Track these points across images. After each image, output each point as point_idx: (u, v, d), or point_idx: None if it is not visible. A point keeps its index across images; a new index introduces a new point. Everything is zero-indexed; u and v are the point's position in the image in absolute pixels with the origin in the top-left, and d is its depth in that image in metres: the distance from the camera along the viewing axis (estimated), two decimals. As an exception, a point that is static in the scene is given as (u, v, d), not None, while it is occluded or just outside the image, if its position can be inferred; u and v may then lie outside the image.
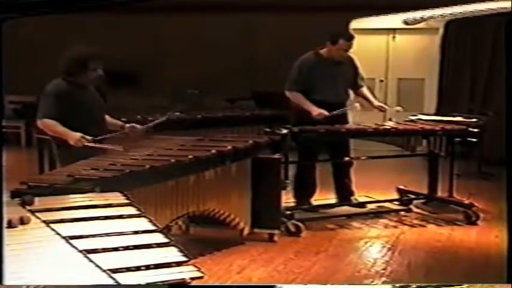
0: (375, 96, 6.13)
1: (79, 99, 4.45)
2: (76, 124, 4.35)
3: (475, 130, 6.06)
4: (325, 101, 5.71)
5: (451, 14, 8.84)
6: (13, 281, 2.14)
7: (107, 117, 4.76)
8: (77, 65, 4.46)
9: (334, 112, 5.65)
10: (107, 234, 2.58)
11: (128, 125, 4.77)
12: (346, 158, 6.06)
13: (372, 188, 6.62)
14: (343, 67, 5.88)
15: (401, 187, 6.43)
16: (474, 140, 6.15)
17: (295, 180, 5.90)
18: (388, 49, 10.10)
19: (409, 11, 8.93)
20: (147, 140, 4.80)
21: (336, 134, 5.76)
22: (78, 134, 4.29)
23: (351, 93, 6.17)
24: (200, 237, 5.07)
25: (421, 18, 9.22)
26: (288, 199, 5.60)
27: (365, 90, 6.12)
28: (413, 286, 3.90)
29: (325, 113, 5.63)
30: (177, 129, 5.37)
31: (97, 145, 4.30)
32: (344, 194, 6.03)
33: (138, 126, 4.80)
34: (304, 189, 5.92)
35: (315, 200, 5.99)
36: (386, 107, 6.07)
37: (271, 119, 6.11)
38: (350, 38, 5.76)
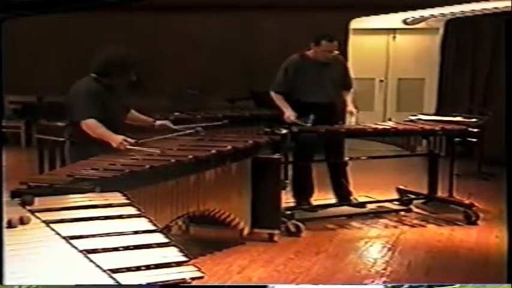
0: (353, 101, 6.11)
1: (105, 99, 4.40)
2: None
3: (475, 130, 6.06)
4: (313, 102, 5.74)
5: (451, 13, 8.85)
6: (13, 281, 2.14)
7: (136, 113, 4.77)
8: (116, 68, 4.43)
9: (298, 121, 5.65)
10: (107, 234, 2.58)
11: (158, 122, 4.78)
12: (346, 158, 6.07)
13: (372, 188, 6.62)
14: (331, 68, 5.88)
15: (401, 187, 6.43)
16: (474, 140, 6.15)
17: (293, 180, 5.90)
18: (388, 49, 10.10)
19: (409, 11, 8.94)
20: (147, 139, 4.79)
21: (335, 134, 5.78)
22: (121, 137, 4.29)
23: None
24: (200, 237, 5.07)
25: (421, 18, 9.23)
26: (288, 199, 5.60)
27: (349, 93, 6.09)
28: (406, 286, 3.90)
29: (292, 117, 5.66)
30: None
31: (139, 147, 4.30)
32: (342, 194, 6.02)
33: (168, 123, 4.80)
34: (302, 189, 5.92)
35: (315, 200, 5.99)
36: (355, 111, 6.04)
37: (271, 119, 6.11)
38: (332, 39, 5.77)
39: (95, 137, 4.33)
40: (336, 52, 5.88)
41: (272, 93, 5.91)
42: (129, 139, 4.30)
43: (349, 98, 6.07)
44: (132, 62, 4.52)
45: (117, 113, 4.51)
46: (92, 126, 4.32)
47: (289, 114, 5.72)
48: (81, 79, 4.49)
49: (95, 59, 4.51)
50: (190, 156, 4.27)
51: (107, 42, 4.71)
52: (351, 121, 5.98)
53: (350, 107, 6.00)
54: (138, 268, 2.33)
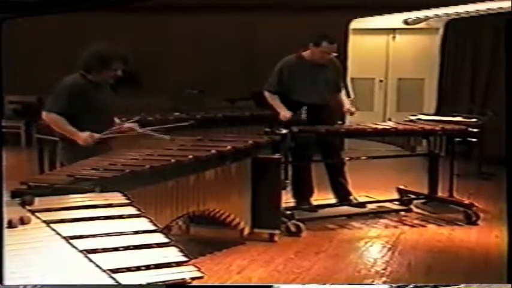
0: (348, 100, 6.15)
1: (92, 97, 4.42)
2: (85, 122, 4.36)
3: (475, 130, 6.07)
4: (306, 103, 5.76)
5: (451, 14, 8.85)
6: (13, 281, 2.14)
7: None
8: (99, 62, 4.42)
9: (301, 114, 5.70)
10: (107, 234, 2.58)
11: (126, 124, 4.69)
12: (346, 158, 6.08)
13: (372, 188, 6.62)
14: (326, 70, 5.90)
15: (401, 187, 6.43)
16: (474, 140, 6.15)
17: (293, 180, 5.91)
18: (388, 49, 10.10)
19: (409, 11, 8.94)
20: (147, 140, 4.79)
21: (336, 134, 5.79)
22: (86, 133, 4.31)
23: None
24: (200, 237, 5.07)
25: (421, 18, 9.23)
26: (288, 199, 5.60)
27: (341, 94, 6.14)
28: (411, 286, 3.90)
29: (288, 115, 5.69)
30: (177, 129, 5.37)
31: (107, 135, 4.35)
32: (341, 194, 6.02)
33: (136, 126, 4.69)
34: (302, 189, 5.92)
35: (315, 200, 5.99)
36: (353, 109, 6.07)
37: (271, 119, 6.11)
38: (333, 41, 5.78)
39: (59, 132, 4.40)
40: (335, 54, 5.88)
41: (266, 93, 5.94)
42: (95, 134, 4.32)
43: (342, 99, 6.10)
44: (112, 56, 4.45)
45: (104, 111, 4.50)
46: (53, 119, 4.38)
47: (285, 113, 5.74)
48: (70, 75, 4.51)
49: (80, 56, 4.52)
50: (190, 156, 4.27)
51: (107, 43, 4.70)
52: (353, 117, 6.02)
53: (347, 106, 6.05)
54: (138, 268, 2.33)
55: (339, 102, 6.15)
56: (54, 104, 4.39)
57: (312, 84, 5.83)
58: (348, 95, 6.26)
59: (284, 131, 5.30)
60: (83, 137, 4.31)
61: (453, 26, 9.21)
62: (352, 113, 6.06)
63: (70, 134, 4.36)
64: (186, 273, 2.39)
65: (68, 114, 4.35)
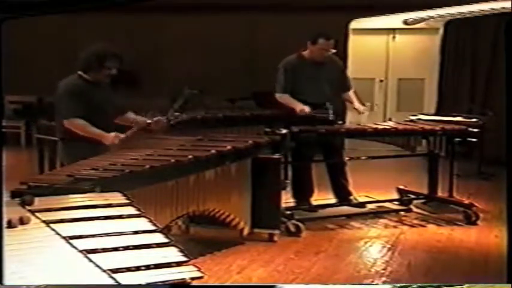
0: (358, 100, 6.14)
1: (92, 97, 4.45)
2: (88, 121, 4.38)
3: (475, 130, 6.07)
4: (308, 102, 5.76)
5: (451, 14, 8.86)
6: (13, 281, 2.14)
7: (132, 115, 4.79)
8: (95, 61, 4.46)
9: (315, 112, 5.69)
10: (107, 234, 2.58)
11: (154, 119, 4.76)
12: (346, 158, 6.08)
13: (372, 188, 6.62)
14: (326, 68, 5.89)
15: (401, 187, 6.42)
16: (474, 140, 6.15)
17: (293, 180, 5.91)
18: (388, 49, 10.11)
19: (409, 11, 8.94)
20: (147, 140, 4.79)
21: (336, 134, 5.79)
22: (112, 134, 4.37)
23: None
24: (200, 237, 5.07)
25: (421, 18, 9.23)
26: (288, 199, 5.60)
27: (351, 93, 6.14)
28: (415, 286, 3.90)
29: (307, 109, 5.67)
30: (177, 129, 5.37)
31: (129, 133, 4.45)
32: (341, 195, 6.02)
33: (162, 119, 4.77)
34: (302, 189, 5.92)
35: (315, 200, 5.99)
36: (362, 109, 6.06)
37: (271, 119, 6.11)
38: (329, 37, 5.78)
39: (83, 135, 4.38)
40: (333, 51, 5.88)
41: (278, 96, 5.90)
42: (120, 134, 4.37)
43: (353, 98, 6.08)
44: (111, 55, 4.50)
45: (105, 110, 4.52)
46: (78, 125, 4.38)
47: (302, 107, 5.71)
48: (68, 77, 4.54)
49: (79, 57, 4.55)
50: (190, 156, 4.27)
51: (103, 42, 4.72)
52: (361, 119, 6.00)
53: (356, 105, 6.03)
54: (138, 268, 2.33)
55: (348, 101, 6.14)
56: (69, 109, 4.40)
57: (314, 83, 5.83)
58: None
59: (284, 131, 5.29)
60: (110, 138, 4.36)
61: (453, 26, 9.21)
62: (360, 113, 6.04)
63: (97, 136, 4.38)
64: (186, 273, 2.39)
65: (84, 117, 4.39)
